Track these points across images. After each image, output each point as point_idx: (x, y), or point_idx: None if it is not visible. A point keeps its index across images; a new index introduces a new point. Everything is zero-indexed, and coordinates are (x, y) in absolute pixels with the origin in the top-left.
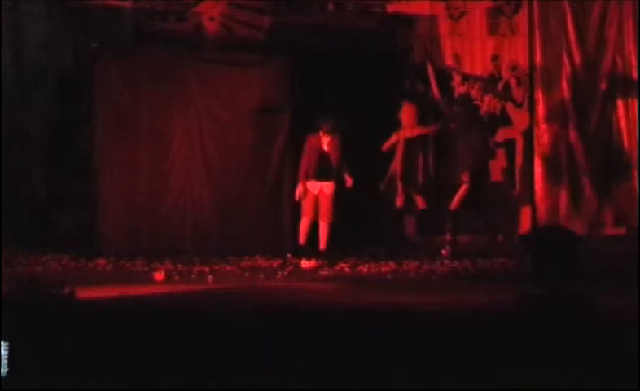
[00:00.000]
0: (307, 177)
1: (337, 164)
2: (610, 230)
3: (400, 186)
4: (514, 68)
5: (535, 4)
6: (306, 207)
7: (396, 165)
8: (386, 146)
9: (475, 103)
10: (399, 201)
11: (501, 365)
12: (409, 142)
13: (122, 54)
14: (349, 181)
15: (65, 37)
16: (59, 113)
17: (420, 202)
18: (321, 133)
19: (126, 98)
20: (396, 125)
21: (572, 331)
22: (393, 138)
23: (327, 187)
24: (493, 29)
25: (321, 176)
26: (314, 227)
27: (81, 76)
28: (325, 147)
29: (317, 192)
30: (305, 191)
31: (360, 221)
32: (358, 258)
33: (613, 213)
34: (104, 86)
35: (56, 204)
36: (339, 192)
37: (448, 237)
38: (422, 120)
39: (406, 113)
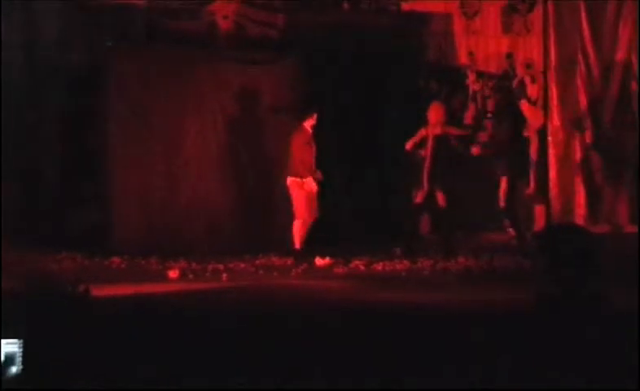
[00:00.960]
0: (306, 175)
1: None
2: (626, 229)
3: (425, 182)
4: (528, 66)
5: (549, 2)
6: (302, 207)
7: (425, 161)
8: (410, 144)
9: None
10: (419, 197)
11: (515, 364)
12: (438, 139)
13: (136, 53)
14: (318, 173)
15: (79, 35)
16: (73, 111)
17: (441, 199)
18: (306, 125)
19: (139, 97)
20: (416, 124)
21: (586, 330)
22: (420, 134)
23: (315, 183)
24: (507, 27)
25: (314, 171)
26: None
27: (94, 74)
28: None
29: (315, 189)
30: (305, 189)
31: (374, 218)
32: (373, 256)
33: (628, 212)
34: (118, 84)
35: (70, 202)
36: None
37: (512, 232)
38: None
39: (434, 112)
